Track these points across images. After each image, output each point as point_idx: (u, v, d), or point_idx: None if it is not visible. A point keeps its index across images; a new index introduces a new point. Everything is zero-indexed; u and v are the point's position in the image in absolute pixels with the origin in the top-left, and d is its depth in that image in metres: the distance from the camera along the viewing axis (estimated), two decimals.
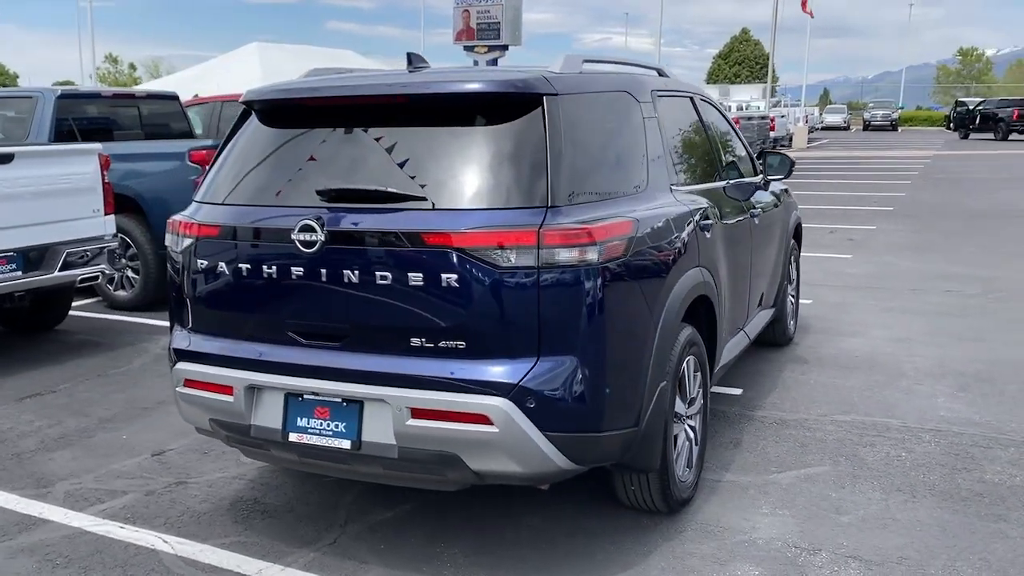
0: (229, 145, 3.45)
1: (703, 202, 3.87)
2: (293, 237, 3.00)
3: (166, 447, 4.52)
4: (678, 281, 3.36)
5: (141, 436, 4.69)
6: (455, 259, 2.82)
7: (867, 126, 53.49)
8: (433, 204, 2.89)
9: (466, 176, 2.94)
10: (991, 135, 39.81)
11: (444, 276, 2.83)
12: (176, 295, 3.44)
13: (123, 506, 3.83)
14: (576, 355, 2.86)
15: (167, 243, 3.48)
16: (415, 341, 2.91)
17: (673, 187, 3.67)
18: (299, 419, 3.10)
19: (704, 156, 4.42)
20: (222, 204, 3.26)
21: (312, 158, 3.17)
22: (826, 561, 3.23)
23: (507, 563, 3.27)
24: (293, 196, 3.12)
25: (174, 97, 9.57)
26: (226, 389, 3.21)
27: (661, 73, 4.34)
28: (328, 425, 3.05)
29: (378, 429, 2.97)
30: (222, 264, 3.19)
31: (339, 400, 3.04)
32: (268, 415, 3.16)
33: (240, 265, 3.15)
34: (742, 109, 34.50)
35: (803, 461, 4.18)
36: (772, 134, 28.29)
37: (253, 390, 3.17)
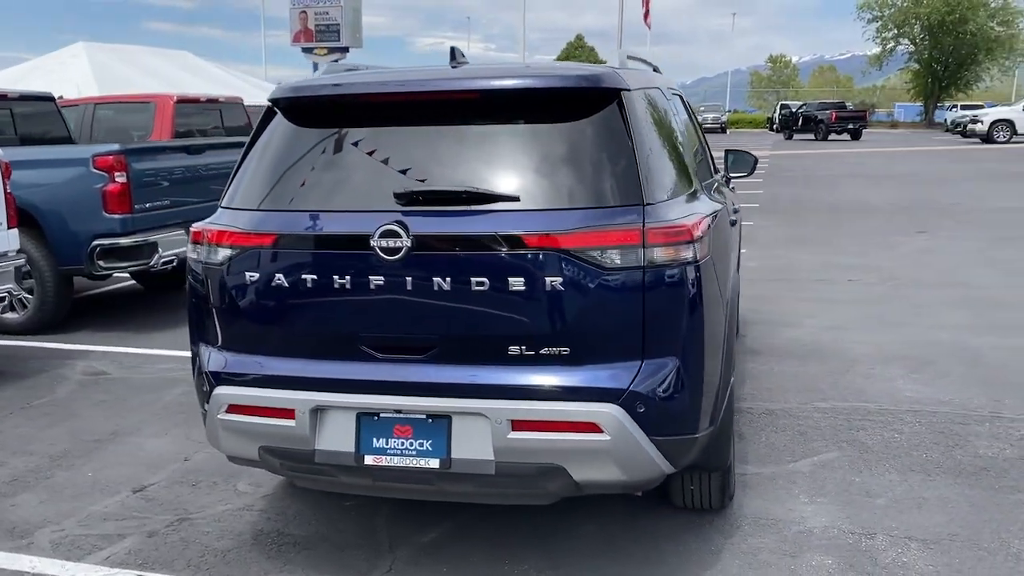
0: (260, 146, 3.14)
1: (721, 199, 3.91)
2: (373, 243, 2.77)
3: (145, 482, 4.09)
4: (730, 276, 3.38)
5: (109, 472, 4.23)
6: (559, 261, 2.69)
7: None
8: (526, 205, 2.75)
9: (553, 174, 2.81)
10: (812, 135, 42.86)
11: (548, 279, 2.70)
12: (206, 312, 3.10)
13: (128, 551, 3.43)
14: (677, 356, 2.80)
15: (192, 255, 3.14)
16: (514, 349, 2.76)
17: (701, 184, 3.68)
18: (375, 440, 2.87)
19: (699, 153, 4.47)
20: (267, 210, 2.96)
21: (377, 159, 2.94)
22: (886, 544, 3.33)
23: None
24: (361, 199, 2.89)
25: (50, 98, 8.75)
26: (285, 413, 2.92)
27: (656, 70, 4.36)
28: (411, 444, 2.84)
29: (471, 445, 2.79)
30: (280, 276, 2.91)
31: (423, 416, 2.83)
32: (336, 438, 2.90)
33: (305, 276, 2.88)
34: None
35: (811, 449, 4.30)
36: None
37: (317, 412, 2.90)
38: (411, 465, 2.83)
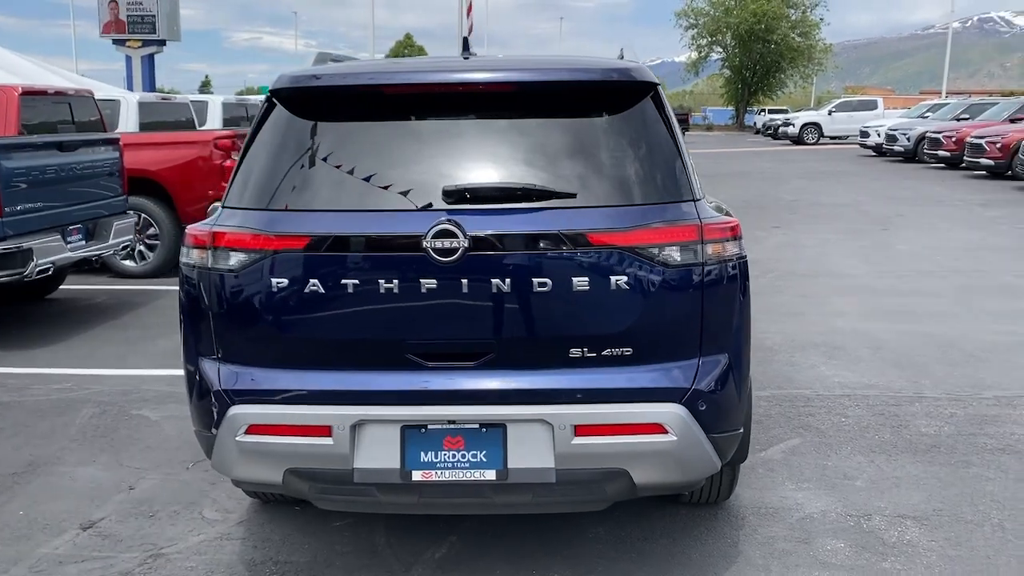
0: (269, 140, 2.85)
1: None
2: (426, 245, 2.59)
3: (92, 517, 3.65)
4: None
5: (44, 508, 3.74)
6: (623, 259, 2.62)
7: None
8: (583, 201, 2.66)
9: (604, 169, 2.73)
10: None
11: (611, 278, 2.62)
12: (215, 324, 2.79)
13: None
14: (728, 351, 2.80)
15: (193, 261, 2.82)
16: (575, 352, 2.66)
17: None
18: (423, 454, 2.69)
19: None
20: (297, 211, 2.70)
21: (414, 154, 2.75)
22: (885, 525, 3.48)
23: None
24: (402, 198, 2.68)
25: None
26: (320, 430, 2.68)
27: None
28: (464, 456, 2.68)
29: (528, 453, 2.67)
30: (316, 281, 2.65)
31: (476, 426, 2.68)
32: (378, 454, 2.69)
33: (345, 281, 2.64)
34: None
35: (774, 436, 4.45)
36: None
37: (355, 427, 2.68)
38: (464, 479, 2.67)
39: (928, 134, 22.92)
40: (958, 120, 24.16)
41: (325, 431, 2.68)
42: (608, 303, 2.64)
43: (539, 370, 2.67)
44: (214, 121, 14.14)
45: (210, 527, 3.56)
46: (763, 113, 56.55)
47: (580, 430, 2.63)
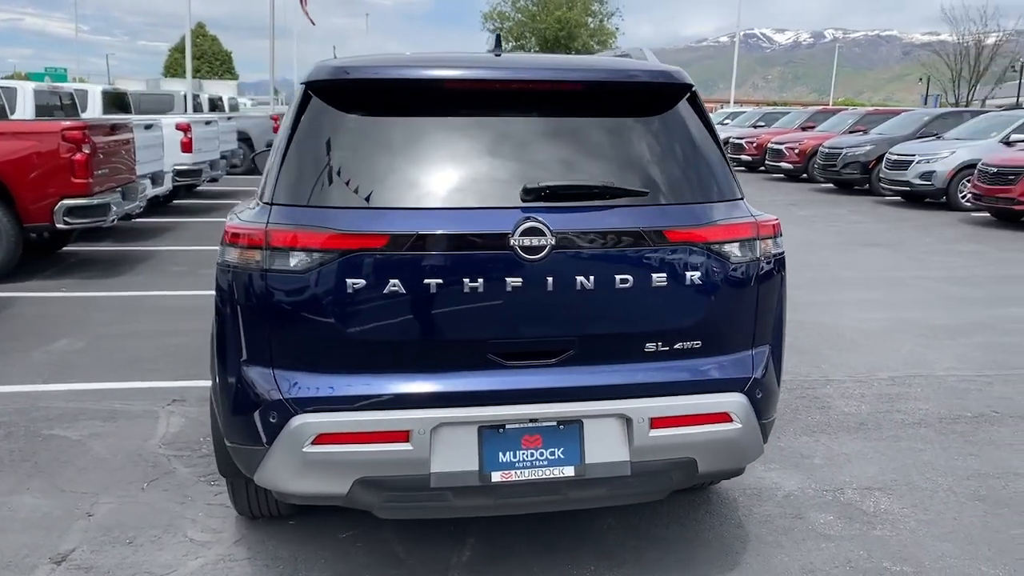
0: (313, 134, 2.70)
1: None
2: (513, 242, 2.56)
3: (59, 549, 3.29)
4: None
5: (3, 544, 3.32)
6: (697, 255, 2.72)
7: None
8: (655, 199, 2.73)
9: (664, 168, 2.81)
10: None
11: (687, 274, 2.71)
12: (271, 329, 2.61)
13: None
14: (771, 342, 2.96)
15: (238, 262, 2.62)
16: (650, 346, 2.72)
17: None
18: (501, 454, 2.65)
19: None
20: (373, 208, 2.59)
21: (482, 151, 2.70)
22: (858, 497, 3.81)
23: (655, 567, 3.21)
24: (479, 195, 2.63)
25: None
26: (397, 436, 2.58)
27: None
28: (542, 454, 2.67)
29: (604, 447, 2.70)
30: (396, 281, 2.54)
31: (553, 423, 2.68)
32: (455, 457, 2.63)
33: (428, 280, 2.55)
34: (236, 109, 33.38)
35: None
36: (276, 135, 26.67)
37: (433, 431, 2.60)
38: (543, 477, 2.67)
39: (731, 140, 24.75)
40: (755, 127, 26.28)
41: (403, 436, 2.58)
42: (681, 298, 2.73)
43: (616, 365, 2.72)
44: (25, 111, 12.87)
45: (205, 549, 3.30)
46: None
47: (656, 423, 2.70)
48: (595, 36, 61.56)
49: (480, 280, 2.57)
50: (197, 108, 22.52)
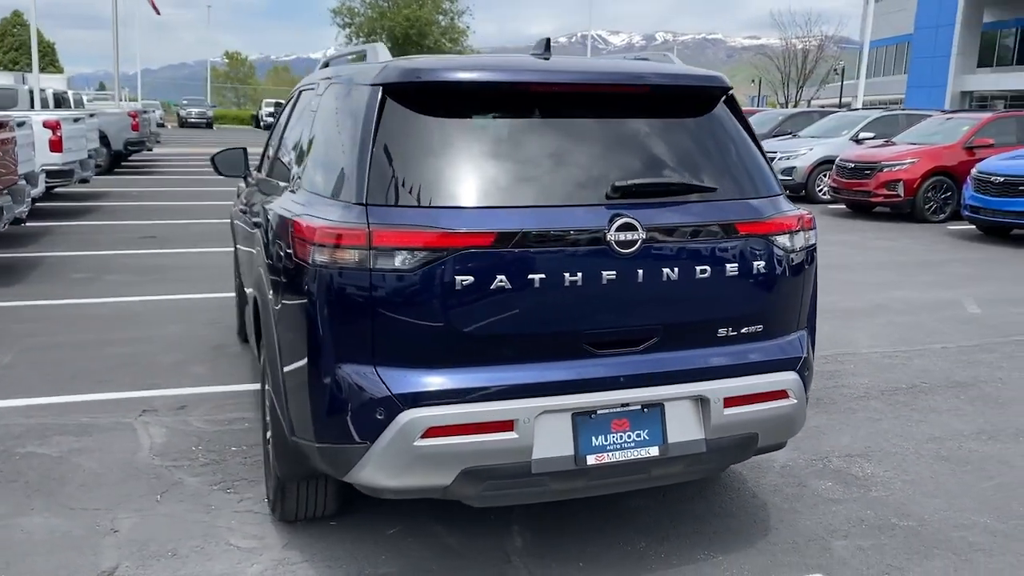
0: (397, 134, 2.75)
1: None
2: (609, 237, 2.71)
3: (101, 567, 3.16)
4: None
5: (24, 569, 3.15)
6: (761, 246, 2.96)
7: (183, 123, 53.84)
8: (723, 195, 2.95)
9: (722, 165, 3.04)
10: None
11: (754, 263, 2.95)
12: (377, 326, 2.65)
13: None
14: (809, 324, 3.25)
15: (338, 261, 2.64)
16: (722, 331, 2.94)
17: None
18: (594, 438, 2.80)
19: None
20: (478, 207, 2.69)
21: (562, 151, 2.83)
22: (845, 464, 4.19)
23: (696, 538, 3.44)
24: (567, 193, 2.77)
25: None
26: (503, 426, 2.67)
27: None
28: (629, 437, 2.84)
29: (683, 427, 2.90)
30: (502, 277, 2.64)
31: (639, 407, 2.85)
32: (553, 444, 2.75)
33: (532, 276, 2.66)
34: (81, 105, 31.23)
35: None
36: (135, 133, 24.87)
37: (535, 420, 2.72)
38: (631, 458, 2.84)
39: None
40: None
41: (508, 426, 2.68)
42: (747, 285, 2.96)
43: (693, 350, 2.92)
44: None
45: (256, 555, 3.26)
46: None
47: (728, 402, 2.92)
48: (447, 34, 61.72)
49: (579, 274, 2.71)
50: (43, 104, 21.02)
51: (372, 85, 2.87)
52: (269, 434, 3.49)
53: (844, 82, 49.64)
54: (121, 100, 44.55)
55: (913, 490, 3.91)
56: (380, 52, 3.13)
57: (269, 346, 3.12)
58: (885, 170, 13.69)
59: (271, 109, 53.91)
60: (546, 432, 2.75)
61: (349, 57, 3.98)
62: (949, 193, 13.57)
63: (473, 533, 3.43)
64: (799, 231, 3.09)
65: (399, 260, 2.62)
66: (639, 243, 2.76)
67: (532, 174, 2.80)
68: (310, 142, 3.39)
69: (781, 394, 3.03)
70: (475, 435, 2.67)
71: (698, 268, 2.87)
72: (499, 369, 2.72)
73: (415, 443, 2.64)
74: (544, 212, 2.72)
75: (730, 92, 3.20)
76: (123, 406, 4.86)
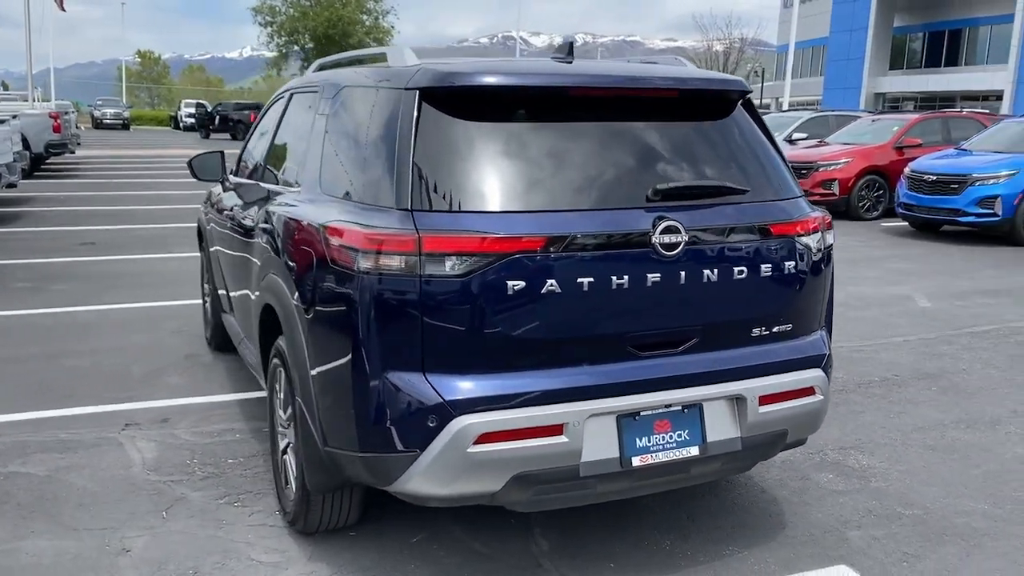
0: (435, 138, 2.72)
1: None
2: (654, 240, 2.73)
3: None
4: None
5: None
6: (791, 246, 3.03)
7: (98, 124, 52.00)
8: (755, 197, 3.00)
9: (749, 167, 3.09)
10: (230, 135, 43.16)
11: (785, 263, 3.02)
12: (427, 333, 2.61)
13: None
14: (827, 323, 3.34)
15: (384, 267, 2.60)
16: (756, 331, 3.00)
17: None
18: (638, 440, 2.82)
19: None
20: (524, 212, 2.67)
21: (600, 154, 2.85)
22: (841, 456, 4.31)
23: (717, 534, 3.50)
24: (609, 196, 2.79)
25: None
26: (553, 430, 2.67)
27: None
28: (671, 437, 2.87)
29: (721, 426, 2.95)
30: (551, 281, 2.64)
31: (679, 408, 2.89)
32: (599, 447, 2.77)
33: (580, 279, 2.67)
34: None
35: None
36: (57, 135, 23.75)
37: (584, 423, 2.73)
38: (673, 458, 2.87)
39: None
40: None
41: (558, 430, 2.68)
42: (779, 285, 3.03)
43: (728, 350, 2.97)
44: None
45: (282, 570, 3.19)
46: None
47: (763, 400, 2.98)
48: (371, 34, 61.08)
49: (624, 276, 2.73)
50: None
51: (406, 89, 2.83)
52: (287, 445, 3.41)
53: (764, 84, 51.03)
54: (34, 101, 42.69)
55: (910, 479, 4.05)
56: (407, 55, 3.08)
57: (296, 355, 3.04)
58: (821, 170, 14.13)
59: (191, 110, 52.59)
60: (593, 435, 2.76)
61: (354, 60, 3.93)
62: (881, 191, 14.08)
63: (497, 537, 3.42)
64: (823, 231, 3.17)
65: (449, 265, 2.59)
66: (682, 245, 2.79)
67: (572, 178, 2.81)
68: (327, 147, 3.32)
69: (809, 391, 3.11)
70: (526, 440, 2.66)
71: (735, 269, 2.92)
72: (547, 373, 2.72)
73: (468, 450, 2.62)
74: (589, 215, 2.73)
75: (749, 95, 3.26)
76: (102, 420, 4.68)
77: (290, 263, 3.20)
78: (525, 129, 2.82)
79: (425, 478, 2.67)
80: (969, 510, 3.74)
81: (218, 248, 5.15)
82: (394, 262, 2.61)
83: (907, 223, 12.88)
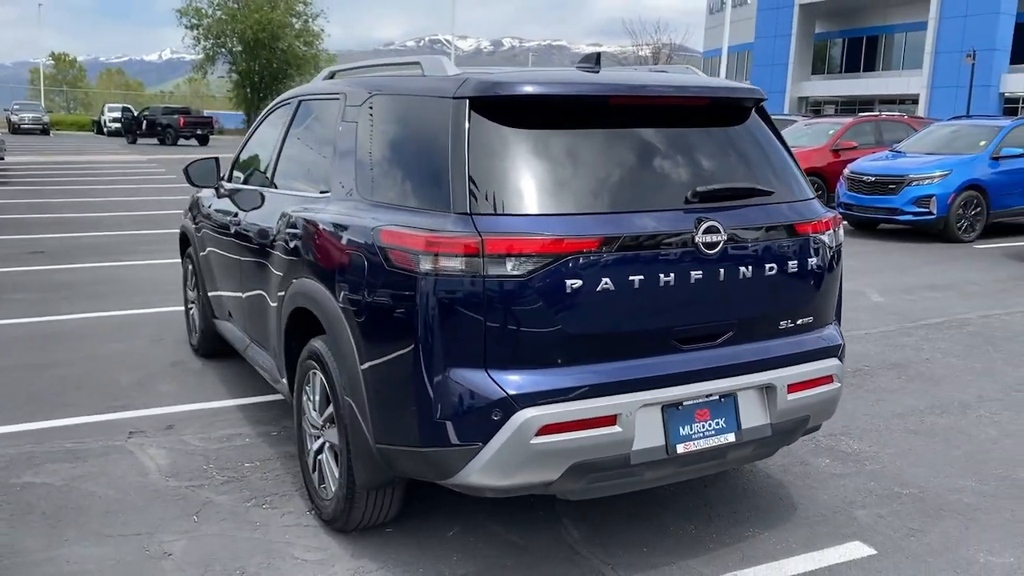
0: (490, 145, 2.85)
1: None
2: (698, 239, 2.91)
3: None
4: None
5: None
6: (813, 244, 3.26)
7: (15, 129, 50.14)
8: (780, 198, 3.21)
9: (770, 169, 3.30)
10: (158, 140, 42.20)
11: (808, 260, 3.23)
12: (490, 330, 2.74)
13: None
14: (838, 316, 3.57)
15: (449, 269, 2.72)
16: (783, 323, 3.20)
17: None
18: (681, 428, 2.99)
19: None
20: (584, 214, 2.84)
21: (640, 158, 3.02)
22: (831, 441, 4.56)
23: (736, 518, 3.70)
24: (654, 198, 2.96)
25: None
26: (608, 420, 2.83)
27: None
28: (710, 425, 3.05)
29: (753, 413, 3.14)
30: (606, 279, 2.79)
31: (717, 397, 3.07)
32: (647, 435, 2.93)
33: (632, 277, 2.83)
34: None
35: None
36: None
37: (634, 413, 2.89)
38: (712, 445, 3.05)
39: None
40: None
41: (612, 420, 2.84)
42: (803, 280, 3.25)
43: (759, 342, 3.17)
44: None
45: (329, 567, 3.26)
46: None
47: (790, 388, 3.19)
48: (301, 37, 60.40)
49: (671, 274, 2.90)
50: None
51: (456, 98, 2.95)
52: (321, 444, 3.48)
53: None
54: None
55: (900, 461, 4.32)
56: (447, 65, 3.20)
57: (343, 355, 3.12)
58: None
59: (116, 115, 51.21)
60: (643, 425, 2.92)
61: (374, 69, 4.02)
62: (820, 192, 14.62)
63: (529, 529, 3.55)
64: (835, 229, 3.40)
65: (510, 266, 2.72)
66: (721, 244, 2.98)
67: (617, 181, 2.97)
68: (362, 153, 3.40)
69: (828, 379, 3.33)
70: (583, 431, 2.80)
71: (766, 266, 3.12)
72: (600, 366, 2.87)
73: (531, 441, 2.75)
74: (637, 217, 2.90)
75: (763, 102, 3.47)
76: (104, 429, 4.65)
77: (330, 266, 3.28)
78: (568, 135, 2.97)
79: (487, 470, 2.79)
80: (959, 487, 4.03)
81: (215, 255, 5.15)
82: (456, 264, 2.72)
83: (847, 222, 13.43)
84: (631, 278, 2.85)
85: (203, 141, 42.27)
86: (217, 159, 5.25)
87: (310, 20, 60.77)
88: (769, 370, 3.16)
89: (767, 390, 3.16)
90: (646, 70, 3.93)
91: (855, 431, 4.74)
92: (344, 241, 3.21)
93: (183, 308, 6.51)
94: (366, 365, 3.02)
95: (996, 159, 12.33)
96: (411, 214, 2.94)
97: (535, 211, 2.80)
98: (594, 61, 3.43)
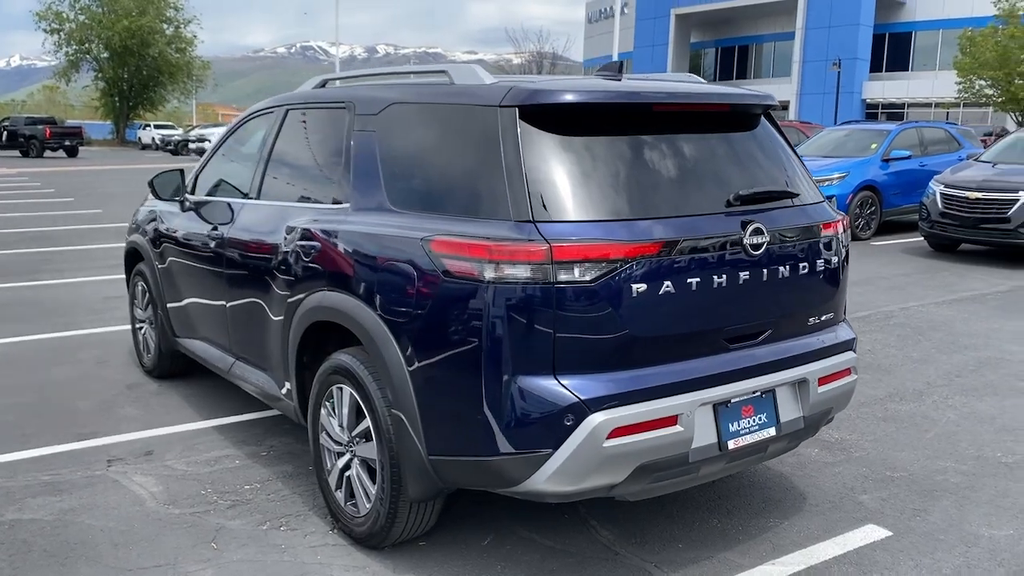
0: (543, 153, 2.87)
1: None
2: (745, 241, 3.01)
3: None
4: None
5: None
6: (835, 243, 3.42)
7: None
8: (804, 199, 3.36)
9: (787, 173, 3.44)
10: (22, 152, 39.81)
11: (832, 258, 3.40)
12: (558, 336, 2.75)
13: None
14: (845, 311, 3.76)
15: (517, 277, 2.72)
16: (812, 320, 3.34)
17: None
18: (730, 425, 3.08)
19: None
20: (644, 219, 2.89)
21: (683, 164, 3.11)
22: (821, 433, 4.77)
23: (749, 509, 3.83)
24: (700, 202, 3.05)
25: None
26: (670, 420, 2.88)
27: None
28: (754, 421, 3.15)
29: (789, 407, 3.27)
30: (667, 282, 2.85)
31: (759, 393, 3.17)
32: (703, 433, 3.00)
33: (690, 279, 2.90)
34: None
35: None
36: None
37: (693, 412, 2.96)
38: (757, 439, 3.16)
39: None
40: None
41: (674, 420, 2.90)
42: (827, 278, 3.41)
43: (793, 339, 3.30)
44: None
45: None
46: (148, 128, 55.04)
47: (821, 381, 3.34)
48: (172, 43, 58.19)
49: (723, 275, 3.00)
50: None
51: (503, 106, 2.95)
52: (348, 460, 3.40)
53: None
54: None
55: (881, 447, 4.58)
56: (481, 74, 3.19)
57: (387, 369, 3.07)
58: None
59: None
60: (698, 423, 2.99)
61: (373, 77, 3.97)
62: None
63: (561, 532, 3.58)
64: (846, 230, 3.58)
65: (578, 272, 2.74)
66: (764, 245, 3.09)
67: (663, 186, 3.04)
68: (386, 162, 3.35)
69: (848, 372, 3.50)
70: (650, 432, 2.85)
71: (800, 265, 3.26)
72: (662, 368, 2.93)
73: (604, 444, 2.78)
74: (691, 221, 2.98)
75: (773, 108, 3.63)
76: (78, 458, 4.39)
77: (365, 278, 3.21)
78: (609, 142, 3.02)
79: (557, 476, 2.80)
80: (942, 469, 4.30)
81: (181, 270, 4.93)
82: (523, 272, 2.73)
83: None
84: (689, 280, 2.93)
85: (72, 153, 40.10)
86: (182, 171, 5.04)
87: (182, 26, 58.68)
88: (802, 365, 3.30)
89: (800, 384, 3.30)
90: (655, 78, 4.03)
91: (834, 421, 4.96)
92: (383, 252, 3.16)
93: (129, 328, 6.20)
94: (418, 376, 2.98)
95: (887, 161, 13.15)
96: (462, 223, 2.92)
97: (596, 217, 2.84)
98: (616, 70, 3.49)
